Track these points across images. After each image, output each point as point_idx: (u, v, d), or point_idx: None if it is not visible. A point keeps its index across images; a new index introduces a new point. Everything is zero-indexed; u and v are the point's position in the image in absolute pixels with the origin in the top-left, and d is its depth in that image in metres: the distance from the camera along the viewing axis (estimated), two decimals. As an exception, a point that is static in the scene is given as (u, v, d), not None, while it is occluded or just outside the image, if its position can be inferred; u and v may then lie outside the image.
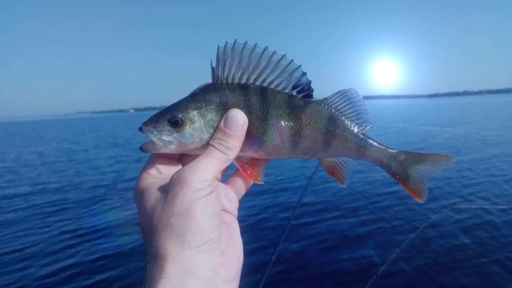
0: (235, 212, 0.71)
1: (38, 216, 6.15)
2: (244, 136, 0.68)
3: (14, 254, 4.58)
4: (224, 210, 0.67)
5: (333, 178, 0.78)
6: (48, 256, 4.49)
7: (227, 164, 0.67)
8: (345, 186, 0.78)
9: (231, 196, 0.71)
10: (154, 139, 0.67)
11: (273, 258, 2.32)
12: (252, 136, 0.70)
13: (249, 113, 0.68)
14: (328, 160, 0.78)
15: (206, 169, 0.60)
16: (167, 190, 0.58)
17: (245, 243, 0.66)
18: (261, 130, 0.70)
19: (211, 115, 0.68)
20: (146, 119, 0.69)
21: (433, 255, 4.01)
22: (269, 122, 0.70)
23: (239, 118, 0.67)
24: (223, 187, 0.71)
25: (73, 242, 4.87)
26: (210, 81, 0.70)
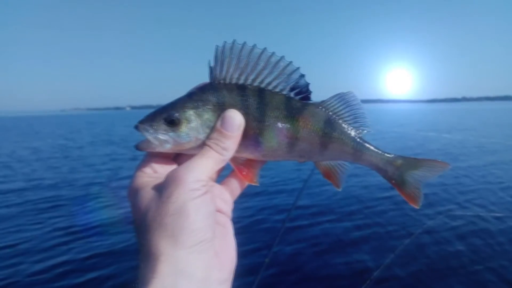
0: (229, 213, 0.71)
1: (31, 212, 6.10)
2: (240, 137, 0.67)
3: (6, 250, 4.54)
4: (218, 210, 0.67)
5: (329, 181, 0.78)
6: (40, 252, 4.45)
7: (222, 165, 0.67)
8: (340, 189, 0.77)
9: (225, 197, 0.71)
10: (149, 137, 0.67)
11: (267, 260, 2.32)
12: (249, 137, 0.69)
13: (246, 114, 0.68)
14: (324, 163, 0.78)
15: (201, 169, 0.60)
16: (161, 189, 0.58)
17: (238, 245, 0.66)
18: (257, 131, 0.70)
19: (208, 115, 0.68)
20: (142, 117, 0.69)
21: (428, 261, 4.02)
22: (266, 123, 0.70)
23: (235, 119, 0.66)
24: (218, 188, 0.71)
25: (66, 239, 4.83)
26: (208, 80, 0.70)
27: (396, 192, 0.77)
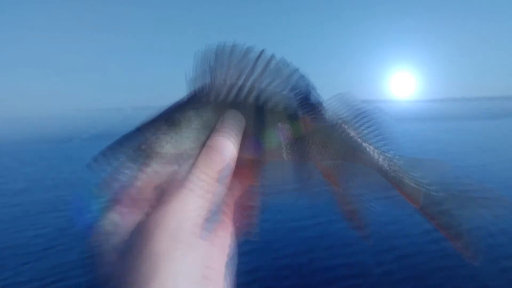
0: (230, 213, 0.71)
1: (32, 213, 6.12)
2: (241, 138, 0.67)
3: (9, 250, 4.55)
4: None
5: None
6: (41, 252, 4.46)
7: (223, 165, 0.67)
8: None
9: (226, 197, 0.71)
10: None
11: (267, 260, 2.33)
12: (249, 138, 0.69)
13: (246, 115, 0.68)
14: (324, 163, 0.78)
15: (202, 169, 0.60)
16: (162, 189, 0.58)
17: (239, 245, 0.66)
18: (258, 132, 0.70)
19: (208, 116, 0.68)
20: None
21: (428, 261, 4.02)
22: (266, 124, 0.70)
23: (236, 119, 0.66)
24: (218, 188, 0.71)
25: (67, 239, 4.84)
26: (208, 81, 0.70)
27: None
